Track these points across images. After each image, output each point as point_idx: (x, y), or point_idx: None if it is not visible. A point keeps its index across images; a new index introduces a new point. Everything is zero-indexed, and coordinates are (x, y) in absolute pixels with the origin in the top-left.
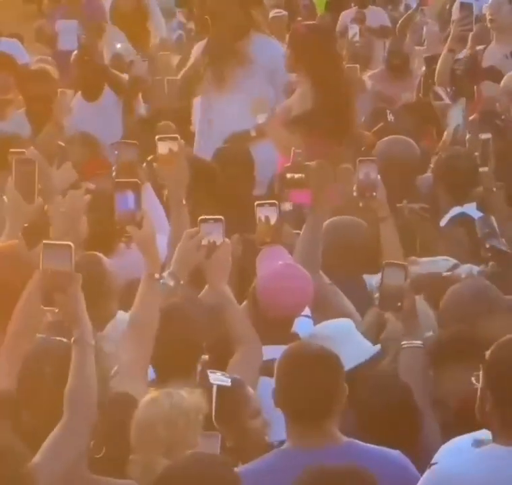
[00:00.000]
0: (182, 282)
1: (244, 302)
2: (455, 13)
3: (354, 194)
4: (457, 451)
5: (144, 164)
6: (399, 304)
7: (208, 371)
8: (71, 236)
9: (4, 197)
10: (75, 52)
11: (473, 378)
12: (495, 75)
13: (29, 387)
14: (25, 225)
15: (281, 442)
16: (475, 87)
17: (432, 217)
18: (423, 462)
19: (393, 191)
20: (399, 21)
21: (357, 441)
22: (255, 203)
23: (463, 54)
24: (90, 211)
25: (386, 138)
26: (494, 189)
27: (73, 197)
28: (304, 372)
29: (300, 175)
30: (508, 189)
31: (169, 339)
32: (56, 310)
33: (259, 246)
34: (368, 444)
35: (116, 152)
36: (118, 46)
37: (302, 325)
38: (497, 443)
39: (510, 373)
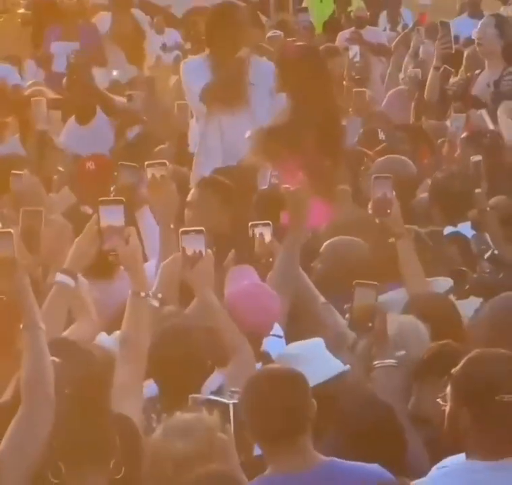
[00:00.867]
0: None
1: None
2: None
3: (370, 211)
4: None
5: None
6: (370, 324)
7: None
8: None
9: None
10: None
11: (439, 399)
12: (479, 104)
13: None
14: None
15: None
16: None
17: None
18: (411, 478)
19: None
20: (395, 40)
21: (336, 459)
22: (249, 223)
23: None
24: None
25: (383, 157)
26: (488, 209)
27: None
28: (270, 392)
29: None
30: (500, 209)
31: (175, 359)
32: (4, 298)
33: (253, 264)
34: (348, 462)
35: (115, 174)
36: (114, 73)
37: (273, 345)
38: (473, 459)
39: (488, 387)
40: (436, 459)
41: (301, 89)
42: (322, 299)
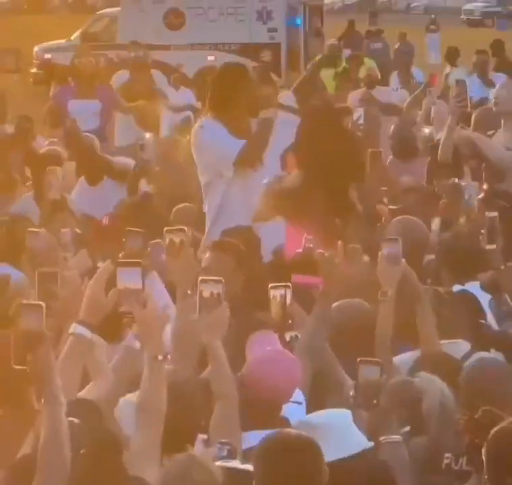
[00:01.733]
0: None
1: None
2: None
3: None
4: None
5: None
6: (375, 401)
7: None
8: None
9: None
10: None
11: None
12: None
13: None
14: None
15: None
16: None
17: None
18: None
19: None
20: (407, 101)
21: None
22: (269, 285)
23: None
24: None
25: (398, 218)
26: (502, 267)
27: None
28: (283, 457)
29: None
30: None
31: (169, 418)
32: (28, 370)
33: (272, 328)
34: None
35: (123, 240)
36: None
37: (293, 411)
38: None
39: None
40: None
41: (318, 148)
42: (350, 381)
